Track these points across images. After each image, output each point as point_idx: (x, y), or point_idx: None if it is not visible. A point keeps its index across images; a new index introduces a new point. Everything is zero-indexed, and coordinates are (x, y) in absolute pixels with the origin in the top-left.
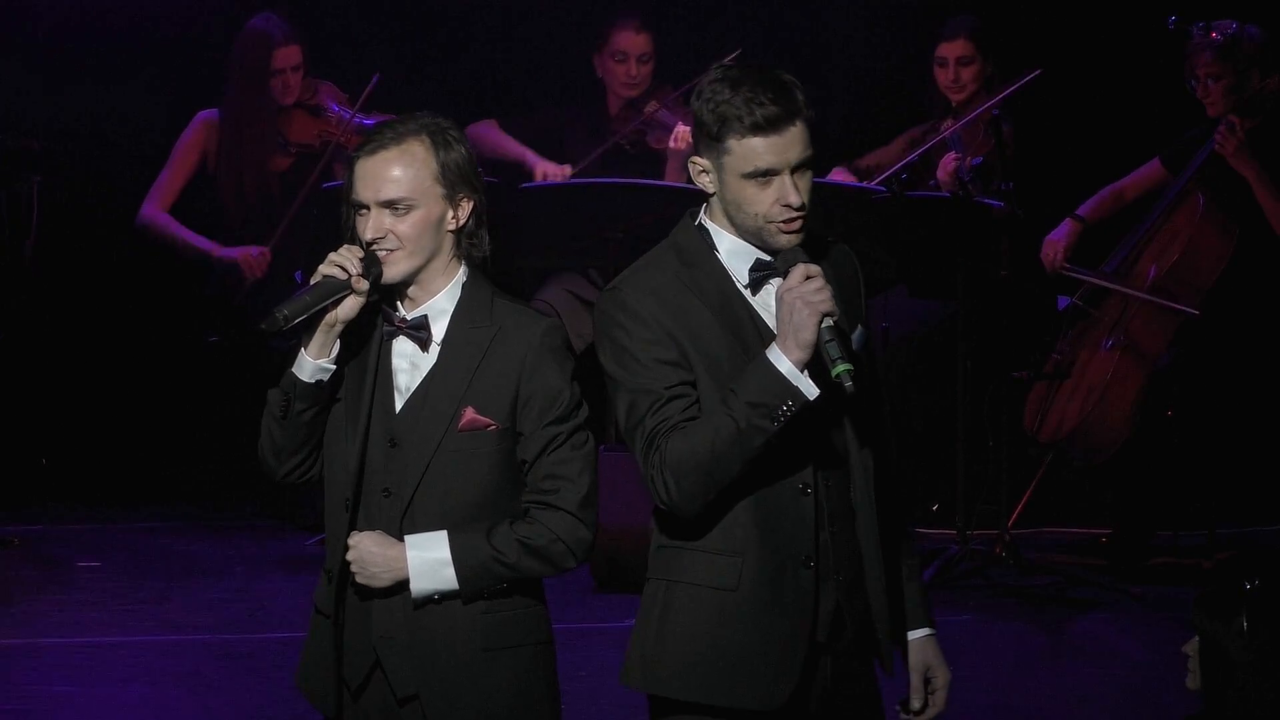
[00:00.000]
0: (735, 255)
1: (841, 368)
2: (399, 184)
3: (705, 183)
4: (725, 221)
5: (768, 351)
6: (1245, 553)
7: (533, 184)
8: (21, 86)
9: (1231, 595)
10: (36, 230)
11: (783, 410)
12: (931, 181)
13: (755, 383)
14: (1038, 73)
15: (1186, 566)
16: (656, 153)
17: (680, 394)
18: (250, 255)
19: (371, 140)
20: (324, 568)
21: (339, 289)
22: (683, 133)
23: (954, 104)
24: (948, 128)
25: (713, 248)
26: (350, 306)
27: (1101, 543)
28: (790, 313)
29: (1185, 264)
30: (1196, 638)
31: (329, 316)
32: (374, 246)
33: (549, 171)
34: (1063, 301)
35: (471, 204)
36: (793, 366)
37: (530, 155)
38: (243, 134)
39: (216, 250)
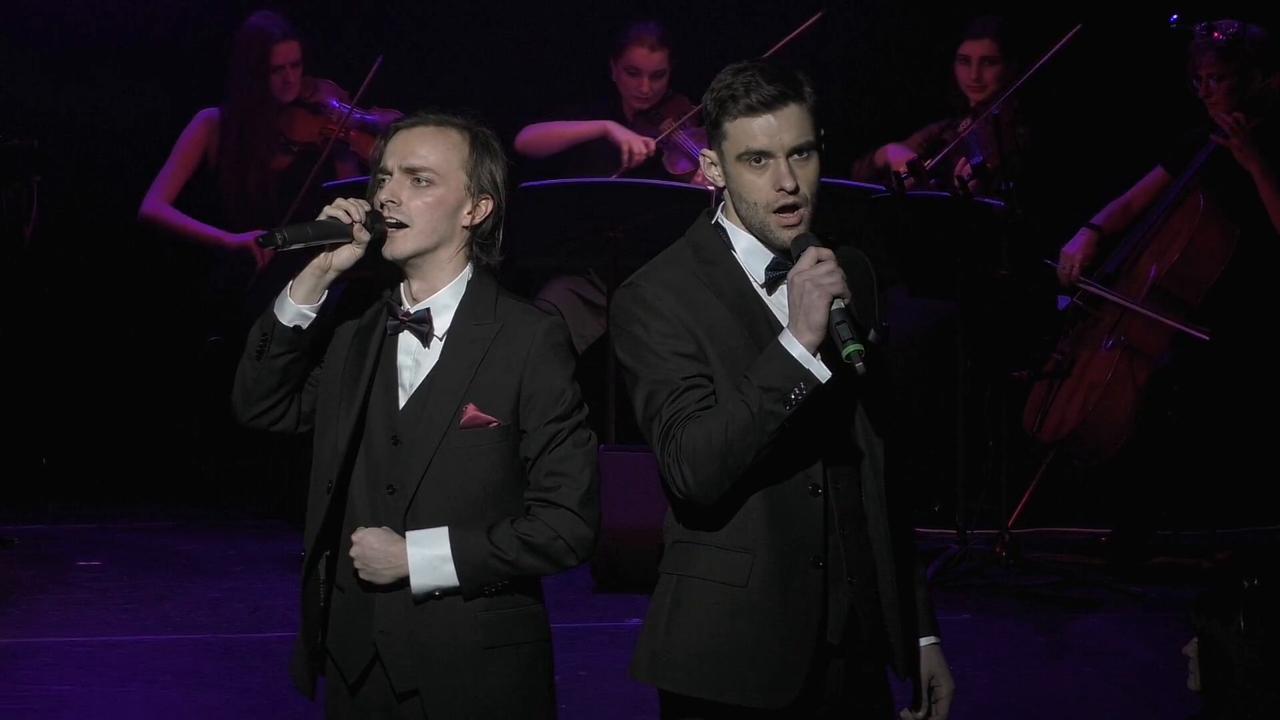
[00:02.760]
0: (752, 254)
1: (852, 348)
2: (427, 156)
3: (714, 175)
4: (738, 218)
5: (780, 337)
6: (1245, 553)
7: (533, 184)
8: (21, 85)
9: (1230, 595)
10: (36, 229)
11: (796, 394)
12: (931, 181)
13: (768, 367)
14: (1030, 74)
15: (1186, 566)
16: (672, 175)
17: (696, 384)
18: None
19: (414, 118)
20: (303, 550)
21: (340, 232)
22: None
23: (973, 103)
24: (965, 128)
25: (729, 246)
26: (346, 256)
27: (1101, 542)
28: (801, 295)
29: (1186, 264)
30: (1196, 639)
31: (322, 260)
32: (385, 210)
33: (635, 147)
34: (1063, 301)
35: (491, 205)
36: (805, 350)
37: (612, 128)
38: (244, 132)
39: (227, 237)
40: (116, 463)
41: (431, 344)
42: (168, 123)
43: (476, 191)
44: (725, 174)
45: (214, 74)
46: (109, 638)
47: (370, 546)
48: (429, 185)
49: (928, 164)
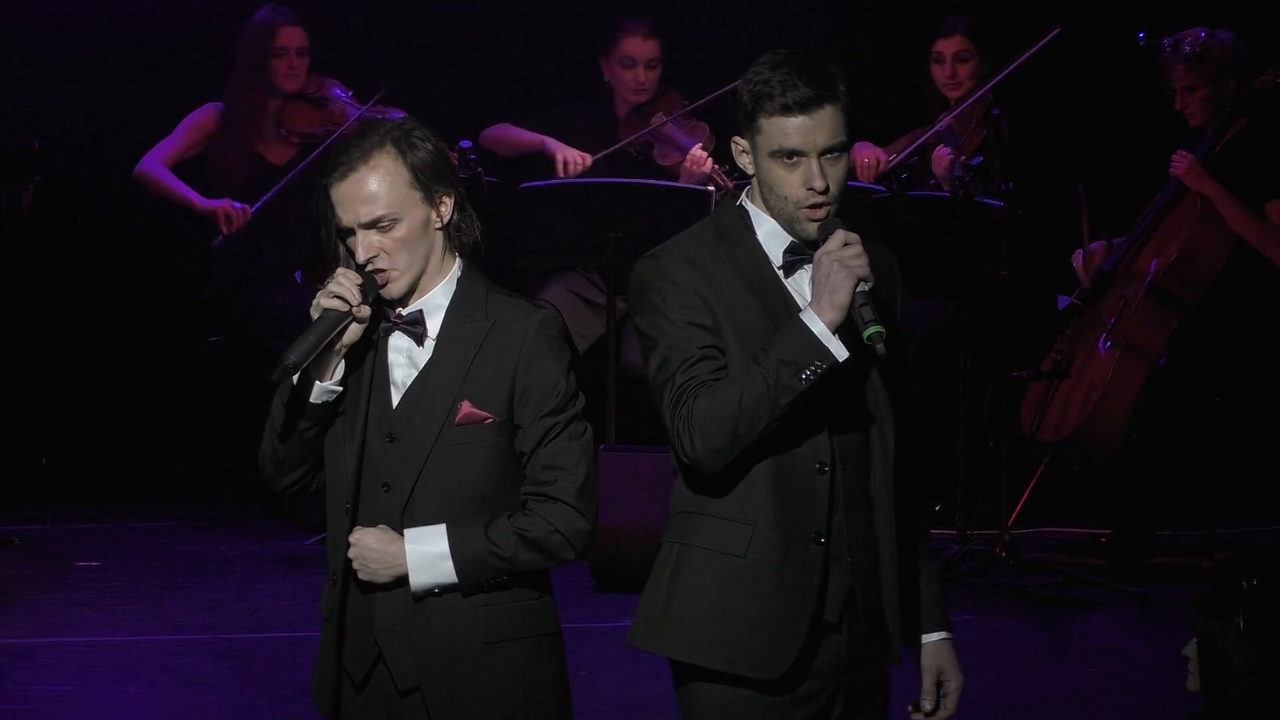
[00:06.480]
0: (772, 238)
1: (873, 329)
2: (377, 202)
3: (745, 163)
4: (764, 204)
5: (801, 313)
6: (1245, 553)
7: (533, 184)
8: (21, 85)
9: (1230, 595)
10: (35, 229)
11: (812, 369)
12: (931, 181)
13: (787, 341)
14: (1017, 65)
15: (1186, 566)
16: (662, 167)
17: (710, 355)
18: (231, 208)
19: (340, 164)
20: (328, 571)
21: (341, 320)
22: (699, 157)
23: (951, 101)
24: (943, 121)
25: (751, 228)
26: (354, 331)
27: (1101, 543)
28: (827, 274)
29: (1184, 262)
30: (1196, 639)
31: (334, 342)
32: (370, 267)
33: (569, 158)
34: (1063, 301)
35: (452, 198)
36: (825, 327)
37: (549, 142)
38: (242, 122)
39: (200, 201)
40: (116, 463)
41: (425, 343)
42: (167, 123)
43: (433, 196)
44: (756, 165)
45: (216, 74)
46: (109, 638)
47: (368, 547)
48: (393, 224)
49: (899, 163)
